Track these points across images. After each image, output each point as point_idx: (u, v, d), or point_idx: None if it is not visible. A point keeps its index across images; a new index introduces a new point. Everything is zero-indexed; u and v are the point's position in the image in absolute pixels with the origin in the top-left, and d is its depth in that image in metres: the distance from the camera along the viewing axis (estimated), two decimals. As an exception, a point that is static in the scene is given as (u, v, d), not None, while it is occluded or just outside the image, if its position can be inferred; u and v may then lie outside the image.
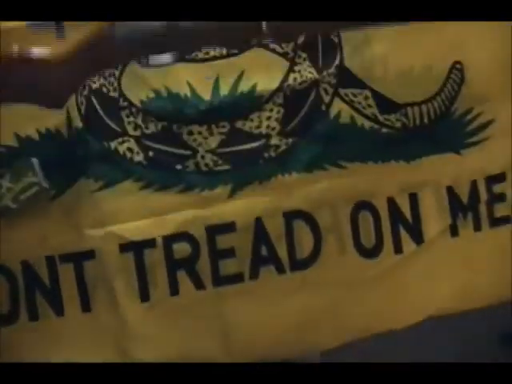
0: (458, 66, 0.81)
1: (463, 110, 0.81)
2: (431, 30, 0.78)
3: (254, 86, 0.76)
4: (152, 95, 0.75)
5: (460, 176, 0.81)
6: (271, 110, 0.76)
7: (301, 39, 0.77)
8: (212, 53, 0.76)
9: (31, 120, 0.74)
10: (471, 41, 0.81)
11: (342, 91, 0.78)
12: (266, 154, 0.76)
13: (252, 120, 0.76)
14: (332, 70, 0.78)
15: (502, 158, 0.82)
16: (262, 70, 0.76)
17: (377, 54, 0.79)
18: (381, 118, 0.78)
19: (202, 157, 0.76)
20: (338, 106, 0.78)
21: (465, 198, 0.81)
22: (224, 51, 0.76)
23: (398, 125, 0.79)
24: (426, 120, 0.80)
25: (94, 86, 0.75)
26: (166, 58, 0.64)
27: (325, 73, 0.77)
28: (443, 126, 0.80)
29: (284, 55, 0.77)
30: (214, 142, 0.76)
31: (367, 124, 0.78)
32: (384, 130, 0.78)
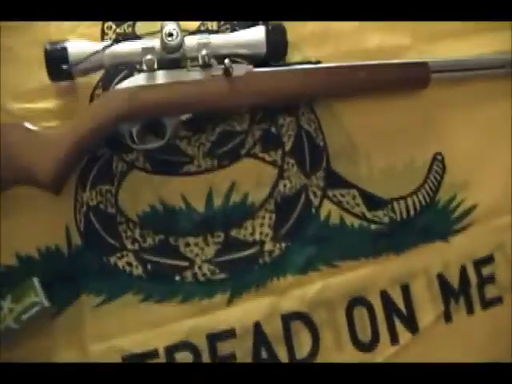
0: (438, 156, 0.85)
1: (447, 198, 0.84)
2: (411, 126, 0.85)
3: (245, 196, 0.79)
4: (148, 209, 0.78)
5: (449, 262, 0.83)
6: (263, 217, 0.79)
7: (288, 146, 0.82)
8: (204, 165, 0.80)
9: (31, 238, 0.77)
10: (450, 131, 0.86)
11: (330, 192, 0.81)
12: (260, 260, 0.78)
13: (246, 228, 0.79)
14: (319, 173, 0.81)
15: (488, 240, 0.85)
16: (252, 180, 0.80)
17: (361, 154, 0.83)
18: (369, 215, 0.82)
19: (200, 267, 0.78)
20: (327, 207, 0.81)
21: (455, 284, 0.83)
22: (215, 163, 0.80)
23: (386, 220, 0.82)
24: (412, 212, 0.83)
25: (92, 203, 0.78)
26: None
27: (313, 177, 0.81)
28: (429, 216, 0.83)
29: (273, 163, 0.81)
30: (210, 251, 0.78)
31: (356, 222, 0.81)
32: (373, 226, 0.81)
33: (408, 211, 0.83)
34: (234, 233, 0.79)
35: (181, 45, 0.73)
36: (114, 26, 0.83)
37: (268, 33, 0.76)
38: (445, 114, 0.86)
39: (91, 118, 0.74)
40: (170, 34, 0.72)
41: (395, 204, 0.83)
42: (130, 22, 0.83)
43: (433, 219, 0.84)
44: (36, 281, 0.74)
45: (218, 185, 0.79)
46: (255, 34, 0.77)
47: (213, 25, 0.84)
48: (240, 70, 0.76)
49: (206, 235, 0.78)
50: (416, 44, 0.86)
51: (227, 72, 0.75)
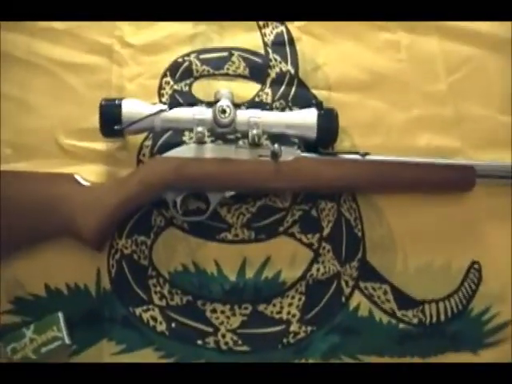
0: (475, 265, 0.84)
1: (480, 310, 0.82)
2: (451, 229, 0.85)
3: (278, 273, 0.80)
4: (180, 269, 0.79)
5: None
6: (293, 297, 0.79)
7: (326, 231, 0.83)
8: (241, 235, 0.81)
9: (63, 273, 0.79)
10: (490, 240, 0.85)
11: (362, 284, 0.81)
12: (284, 340, 0.78)
13: (274, 305, 0.79)
14: (354, 263, 0.81)
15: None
16: (287, 258, 0.80)
17: (398, 249, 0.82)
18: (398, 313, 0.80)
19: (223, 335, 0.77)
20: (357, 298, 0.80)
21: None
22: (252, 235, 0.81)
23: (415, 321, 0.80)
24: (442, 317, 0.81)
25: (126, 251, 0.80)
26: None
27: (347, 265, 0.81)
28: (460, 325, 0.81)
29: (309, 245, 0.81)
30: (235, 322, 0.78)
31: (385, 318, 0.80)
32: (401, 325, 0.80)
33: (438, 316, 0.81)
34: (261, 307, 0.78)
35: (233, 121, 0.76)
36: (171, 82, 0.88)
37: (320, 118, 0.78)
38: (487, 222, 0.86)
39: (138, 182, 0.77)
40: (224, 111, 0.76)
41: (426, 306, 0.81)
42: (188, 81, 0.88)
43: (464, 328, 0.81)
44: (61, 316, 0.75)
45: (253, 257, 0.80)
46: (307, 118, 0.79)
47: (267, 97, 0.88)
48: (288, 154, 0.78)
49: (234, 305, 0.78)
50: (464, 148, 0.88)
51: (275, 156, 0.77)
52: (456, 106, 0.90)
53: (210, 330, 0.77)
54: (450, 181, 0.82)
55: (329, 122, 0.79)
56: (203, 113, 0.77)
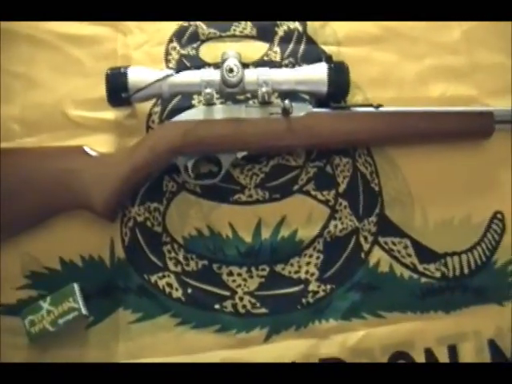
0: (498, 215, 0.81)
1: (505, 261, 0.80)
2: (471, 180, 0.82)
3: (294, 232, 0.78)
4: (194, 233, 0.78)
5: (502, 328, 0.78)
6: (311, 256, 0.78)
7: (342, 187, 0.81)
8: (255, 196, 0.80)
9: (76, 246, 0.78)
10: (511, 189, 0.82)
11: (381, 239, 0.79)
12: (303, 300, 0.76)
13: (292, 265, 0.77)
14: (372, 218, 0.79)
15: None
16: (303, 216, 0.79)
17: (416, 203, 0.80)
18: (420, 267, 0.78)
19: (241, 298, 0.76)
20: (377, 254, 0.78)
21: (508, 351, 0.77)
22: (266, 195, 0.80)
23: (438, 275, 0.78)
24: (466, 270, 0.79)
25: (139, 219, 0.79)
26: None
27: (365, 221, 0.79)
28: (484, 277, 0.79)
29: (325, 202, 0.80)
30: (253, 284, 0.76)
31: (406, 273, 0.78)
32: (423, 279, 0.78)
33: (462, 269, 0.79)
34: (279, 268, 0.77)
35: (241, 80, 0.75)
36: (178, 47, 0.86)
37: (330, 71, 0.77)
38: (507, 171, 0.83)
39: (148, 149, 0.76)
40: (231, 70, 0.74)
41: (448, 259, 0.79)
42: (195, 45, 0.87)
43: (488, 280, 0.79)
44: (76, 287, 0.75)
45: (268, 217, 0.78)
46: (317, 72, 0.77)
47: (276, 56, 0.86)
48: (299, 110, 0.76)
49: (251, 267, 0.77)
50: (481, 96, 0.85)
51: (286, 112, 0.75)
52: (470, 54, 0.87)
53: (227, 293, 0.76)
54: (468, 128, 0.80)
55: (340, 75, 0.77)
56: (211, 74, 0.76)
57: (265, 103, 0.76)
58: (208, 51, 0.86)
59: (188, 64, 0.85)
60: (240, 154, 0.77)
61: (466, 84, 0.86)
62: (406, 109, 0.79)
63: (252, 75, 0.76)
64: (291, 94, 0.78)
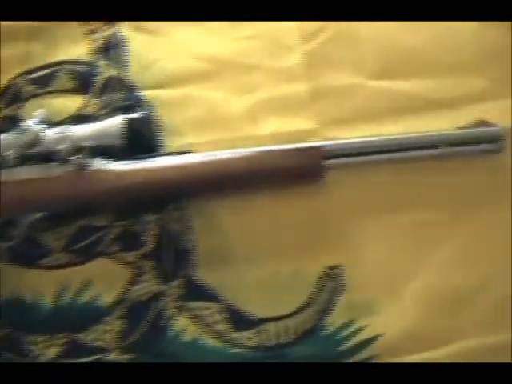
0: (336, 270, 0.70)
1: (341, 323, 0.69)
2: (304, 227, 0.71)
3: (98, 297, 0.73)
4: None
5: None
6: (112, 323, 0.72)
7: (148, 247, 0.74)
8: (62, 259, 0.76)
9: None
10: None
11: (188, 304, 0.71)
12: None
13: (93, 332, 0.72)
14: (179, 280, 0.72)
15: None
16: (106, 280, 0.73)
17: (236, 264, 0.71)
18: (232, 335, 0.69)
19: None
20: (182, 321, 0.70)
21: None
22: (73, 258, 0.75)
23: (253, 343, 0.68)
24: (287, 338, 0.68)
25: None
26: None
27: (171, 283, 0.72)
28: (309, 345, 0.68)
29: (129, 264, 0.74)
30: (52, 353, 0.72)
31: (216, 342, 0.69)
32: (234, 350, 0.69)
33: (281, 336, 0.69)
34: (80, 335, 0.72)
35: (37, 140, 0.72)
36: (2, 107, 0.84)
37: (125, 124, 0.71)
38: (346, 219, 0.71)
39: None
40: (26, 132, 0.72)
41: (268, 325, 0.69)
42: (18, 104, 0.84)
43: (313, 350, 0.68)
44: None
45: (71, 282, 0.74)
46: (111, 126, 0.71)
47: (95, 107, 0.81)
48: (98, 165, 0.71)
49: (52, 334, 0.73)
50: (321, 128, 0.74)
51: (81, 169, 0.71)
52: (310, 79, 0.75)
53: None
54: (290, 168, 0.69)
55: (134, 127, 0.71)
56: (7, 137, 0.74)
57: (66, 161, 0.72)
58: (31, 109, 0.83)
59: (11, 124, 0.81)
60: (39, 215, 0.75)
61: (304, 116, 0.75)
62: (221, 152, 0.70)
63: (51, 133, 0.73)
64: (94, 148, 0.72)
